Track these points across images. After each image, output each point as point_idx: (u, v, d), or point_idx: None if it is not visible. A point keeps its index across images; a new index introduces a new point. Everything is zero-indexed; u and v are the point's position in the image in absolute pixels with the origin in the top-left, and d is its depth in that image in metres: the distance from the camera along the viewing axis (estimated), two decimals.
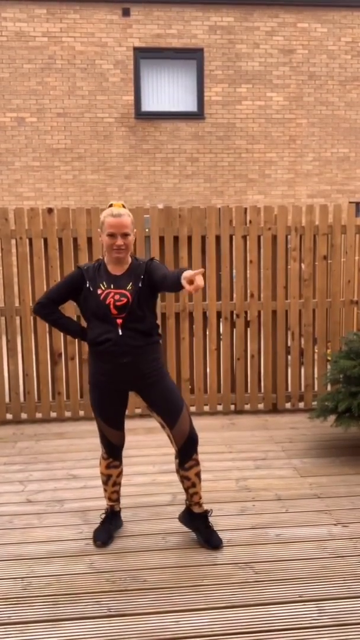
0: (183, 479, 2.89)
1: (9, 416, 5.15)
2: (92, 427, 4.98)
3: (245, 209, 5.13)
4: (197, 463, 2.88)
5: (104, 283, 2.77)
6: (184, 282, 2.43)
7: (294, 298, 5.21)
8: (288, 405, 5.37)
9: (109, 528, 3.01)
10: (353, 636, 2.24)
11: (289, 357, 5.42)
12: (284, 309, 5.21)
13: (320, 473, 3.85)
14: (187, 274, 2.43)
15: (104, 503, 3.34)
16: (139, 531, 3.07)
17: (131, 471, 3.90)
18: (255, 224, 5.08)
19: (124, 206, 2.79)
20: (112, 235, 2.72)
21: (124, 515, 3.23)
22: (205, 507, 3.14)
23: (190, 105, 11.31)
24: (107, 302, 2.73)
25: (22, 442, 4.62)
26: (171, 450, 4.27)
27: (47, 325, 5.05)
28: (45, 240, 4.98)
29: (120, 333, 2.73)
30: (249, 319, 5.23)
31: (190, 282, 2.42)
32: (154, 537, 3.01)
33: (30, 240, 4.99)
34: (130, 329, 2.74)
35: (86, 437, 4.69)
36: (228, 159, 11.40)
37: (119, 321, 2.73)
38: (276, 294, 5.19)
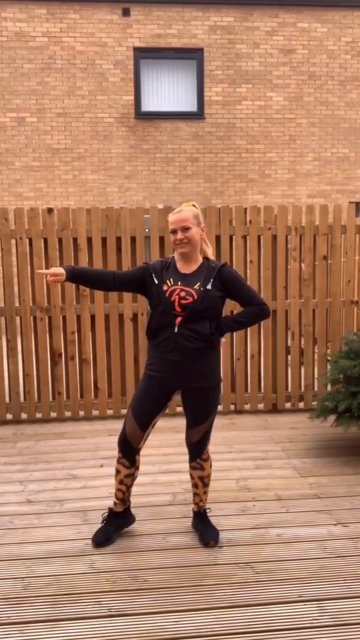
0: (190, 476, 3.04)
1: (9, 416, 5.14)
2: (92, 427, 4.98)
3: (245, 209, 5.13)
4: (201, 468, 2.97)
5: (171, 280, 2.78)
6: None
7: (294, 298, 5.21)
8: (288, 405, 5.37)
9: (107, 529, 2.99)
10: (354, 636, 2.24)
11: (289, 357, 5.42)
12: (284, 309, 5.21)
13: (320, 473, 3.85)
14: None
15: (104, 503, 3.34)
16: (140, 531, 3.07)
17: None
18: (255, 224, 5.08)
19: (194, 205, 2.84)
20: (173, 232, 2.77)
21: None
22: (207, 506, 3.14)
23: (190, 105, 11.31)
24: (172, 299, 2.73)
25: (22, 442, 4.62)
26: (172, 450, 4.29)
27: (47, 325, 5.05)
28: (45, 240, 4.98)
29: (176, 331, 2.72)
30: None
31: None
32: (154, 537, 3.01)
33: (30, 240, 4.98)
34: (187, 328, 2.72)
35: (86, 437, 4.69)
36: (228, 159, 11.40)
37: (179, 319, 2.72)
38: (276, 293, 5.19)
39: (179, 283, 2.76)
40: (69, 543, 2.96)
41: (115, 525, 3.03)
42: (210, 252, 2.95)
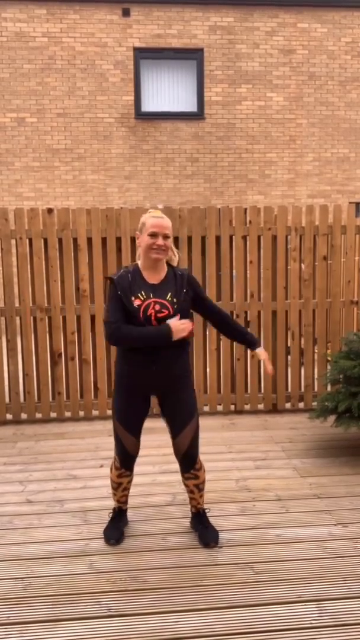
0: (184, 484, 3.00)
1: (9, 416, 5.15)
2: (92, 427, 4.98)
3: (245, 209, 5.13)
4: (196, 477, 2.93)
5: (142, 293, 2.69)
6: (266, 363, 3.02)
7: (294, 298, 5.21)
8: (288, 405, 5.37)
9: (119, 526, 3.03)
10: (354, 636, 2.24)
11: (289, 357, 5.42)
12: (284, 309, 5.21)
13: (320, 473, 3.85)
14: (264, 357, 2.99)
15: (104, 503, 3.35)
16: (140, 531, 3.07)
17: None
18: (255, 224, 5.08)
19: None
20: (153, 235, 2.69)
21: None
22: (206, 506, 3.14)
23: (190, 106, 11.31)
24: (149, 313, 2.66)
25: (22, 442, 4.62)
26: (171, 451, 4.27)
27: (47, 325, 5.05)
28: (45, 240, 4.98)
29: None
30: (249, 319, 5.23)
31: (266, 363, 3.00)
32: (154, 537, 3.01)
33: (30, 240, 4.98)
34: None
35: (86, 437, 4.69)
36: (228, 159, 11.40)
37: None
38: (276, 294, 5.19)
39: (151, 295, 2.69)
40: (69, 543, 2.96)
41: (124, 521, 3.09)
42: (176, 261, 2.91)
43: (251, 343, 2.98)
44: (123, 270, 2.79)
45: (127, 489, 3.03)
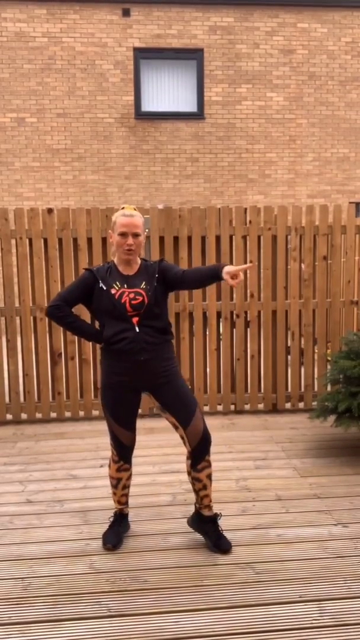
0: (194, 480, 2.86)
1: (9, 416, 5.15)
2: (92, 427, 4.98)
3: (245, 209, 5.13)
4: (209, 464, 2.86)
5: (117, 283, 2.80)
6: (226, 276, 2.57)
7: (294, 298, 5.21)
8: (288, 405, 5.37)
9: (118, 531, 2.97)
10: (354, 636, 2.24)
11: (289, 357, 5.42)
12: (284, 309, 5.21)
13: (320, 473, 3.85)
14: (230, 268, 2.57)
15: (104, 503, 3.35)
16: (140, 531, 3.07)
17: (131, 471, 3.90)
18: (255, 224, 5.08)
19: (135, 209, 2.84)
20: (123, 235, 2.76)
21: None
22: (215, 510, 3.03)
23: (190, 106, 11.31)
24: (123, 300, 2.75)
25: (22, 442, 4.62)
26: (172, 451, 4.28)
27: (47, 325, 5.05)
28: (45, 240, 4.98)
29: (137, 330, 2.74)
30: (249, 319, 5.23)
31: (234, 276, 2.57)
32: (154, 537, 3.01)
33: (30, 240, 4.98)
34: (146, 326, 2.76)
35: (86, 437, 4.69)
36: (228, 159, 11.41)
37: (135, 319, 2.75)
38: (276, 294, 5.19)
39: (125, 285, 2.79)
40: (70, 543, 2.96)
41: (124, 525, 3.04)
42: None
43: (215, 274, 2.67)
44: (102, 265, 2.91)
45: (126, 486, 2.98)
